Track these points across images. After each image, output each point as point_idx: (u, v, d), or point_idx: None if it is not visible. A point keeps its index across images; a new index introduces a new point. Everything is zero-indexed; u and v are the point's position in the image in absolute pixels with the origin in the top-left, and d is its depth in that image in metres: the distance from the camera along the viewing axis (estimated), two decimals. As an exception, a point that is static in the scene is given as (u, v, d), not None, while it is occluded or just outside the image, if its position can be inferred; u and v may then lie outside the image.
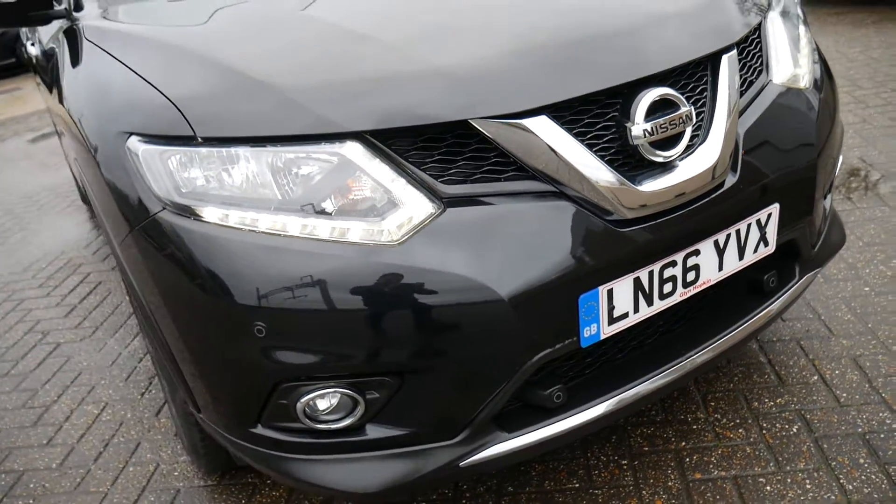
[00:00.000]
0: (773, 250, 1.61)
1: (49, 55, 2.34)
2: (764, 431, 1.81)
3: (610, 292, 1.37)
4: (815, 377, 1.96)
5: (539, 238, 1.30)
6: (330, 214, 1.28)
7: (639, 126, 1.36)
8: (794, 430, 1.80)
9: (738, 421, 1.85)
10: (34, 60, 2.97)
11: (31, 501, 2.01)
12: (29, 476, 2.11)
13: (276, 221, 1.28)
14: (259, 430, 1.42)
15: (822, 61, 1.88)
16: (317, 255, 1.26)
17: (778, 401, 1.90)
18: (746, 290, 1.71)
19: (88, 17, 1.93)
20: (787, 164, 1.58)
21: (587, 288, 1.34)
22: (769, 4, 1.77)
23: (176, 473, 2.02)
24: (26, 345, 2.86)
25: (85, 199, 4.30)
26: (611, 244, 1.35)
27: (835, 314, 2.20)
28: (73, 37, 1.95)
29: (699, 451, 1.78)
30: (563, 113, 1.33)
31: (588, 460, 1.81)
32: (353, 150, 1.28)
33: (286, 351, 1.30)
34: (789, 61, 1.72)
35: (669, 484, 1.70)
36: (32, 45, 2.96)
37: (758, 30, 1.69)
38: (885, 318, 2.15)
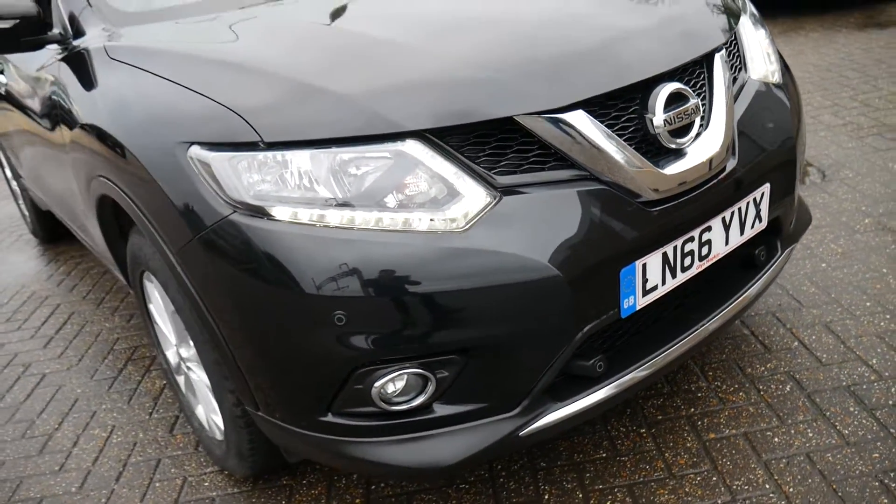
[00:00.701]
0: (765, 225, 1.81)
1: (40, 81, 2.34)
2: (762, 393, 2.00)
3: (644, 266, 1.53)
4: (796, 343, 2.18)
5: (583, 220, 1.45)
6: (396, 207, 1.39)
7: (659, 116, 1.53)
8: (788, 389, 2.00)
9: (736, 386, 2.04)
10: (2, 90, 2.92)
11: (58, 525, 1.99)
12: (49, 501, 2.09)
13: (345, 216, 1.38)
14: (329, 417, 1.50)
15: (782, 60, 2.11)
16: (389, 244, 1.36)
17: (768, 366, 2.10)
18: (741, 264, 1.91)
19: (97, 41, 1.97)
20: (772, 148, 1.79)
21: (626, 263, 1.49)
22: (741, 9, 1.99)
23: (206, 483, 2.05)
24: (9, 378, 2.79)
25: (36, 232, 4.19)
26: (642, 223, 1.51)
27: (801, 288, 2.44)
28: (83, 60, 1.98)
29: (708, 415, 1.96)
30: (595, 108, 1.49)
31: (609, 432, 1.96)
32: (414, 148, 1.40)
33: (364, 336, 1.39)
34: (762, 59, 1.94)
35: (688, 445, 1.87)
36: (1, 72, 2.91)
37: (735, 32, 1.90)
38: (844, 288, 2.40)
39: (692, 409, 1.99)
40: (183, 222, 1.50)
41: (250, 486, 2.01)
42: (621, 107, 1.53)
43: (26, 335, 3.13)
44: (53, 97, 2.20)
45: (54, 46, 2.22)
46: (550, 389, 1.55)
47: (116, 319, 3.12)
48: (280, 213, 1.39)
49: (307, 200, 1.39)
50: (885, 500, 1.62)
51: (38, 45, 2.17)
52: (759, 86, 1.88)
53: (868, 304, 2.30)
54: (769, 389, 2.01)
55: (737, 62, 1.87)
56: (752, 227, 1.77)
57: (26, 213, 4.23)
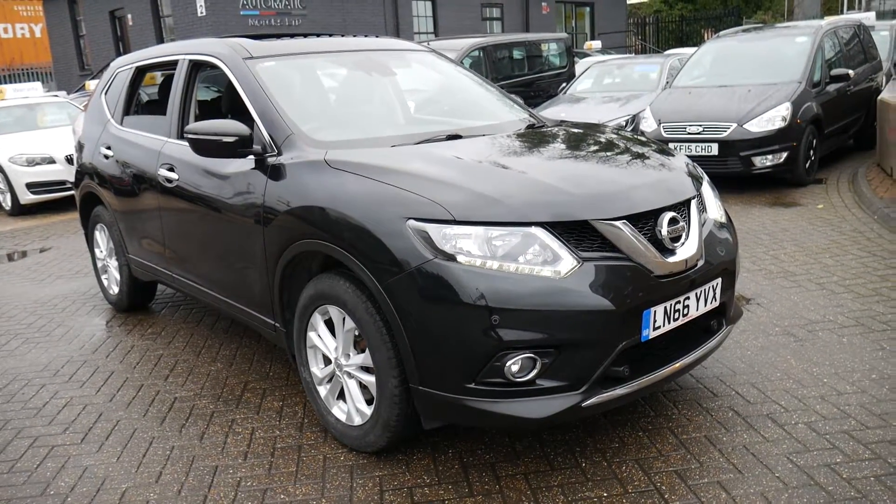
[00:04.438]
0: (718, 304, 2.98)
1: (231, 179, 3.39)
2: (713, 416, 3.09)
3: (654, 312, 2.66)
4: (733, 392, 3.30)
5: (625, 281, 2.59)
6: (524, 262, 2.50)
7: (664, 229, 2.72)
8: (730, 415, 3.10)
9: (697, 412, 3.13)
10: (171, 183, 3.93)
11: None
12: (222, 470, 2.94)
13: (496, 264, 2.48)
14: (473, 385, 2.52)
15: (725, 211, 3.39)
16: (524, 280, 2.47)
17: (717, 403, 3.21)
18: (702, 330, 3.05)
19: (311, 156, 3.06)
20: (723, 258, 3.00)
21: (646, 308, 2.63)
22: (702, 177, 3.28)
23: (342, 458, 2.96)
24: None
25: (120, 302, 5.05)
26: (655, 288, 2.66)
27: (734, 364, 3.59)
28: (288, 168, 3.08)
29: (682, 425, 3.02)
30: (630, 221, 2.67)
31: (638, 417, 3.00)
32: (537, 231, 2.54)
33: (507, 330, 2.45)
34: (715, 207, 3.20)
35: (670, 441, 2.92)
36: (169, 169, 3.93)
37: (700, 189, 3.16)
38: (762, 365, 3.57)
39: (671, 424, 3.06)
40: (394, 264, 2.56)
41: (376, 458, 2.93)
42: (643, 222, 2.72)
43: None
44: (248, 191, 3.26)
45: (251, 157, 3.31)
46: (599, 381, 2.61)
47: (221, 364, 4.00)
48: (462, 259, 2.49)
49: (480, 255, 2.50)
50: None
51: (244, 155, 3.28)
52: (714, 222, 3.12)
53: (778, 374, 3.46)
54: (718, 415, 3.10)
55: (701, 206, 3.12)
56: (711, 303, 2.94)
57: (114, 287, 5.10)
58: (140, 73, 4.80)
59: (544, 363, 2.51)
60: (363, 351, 2.87)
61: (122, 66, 4.95)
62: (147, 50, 4.85)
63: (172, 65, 4.22)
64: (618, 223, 2.63)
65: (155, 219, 4.19)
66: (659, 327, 2.70)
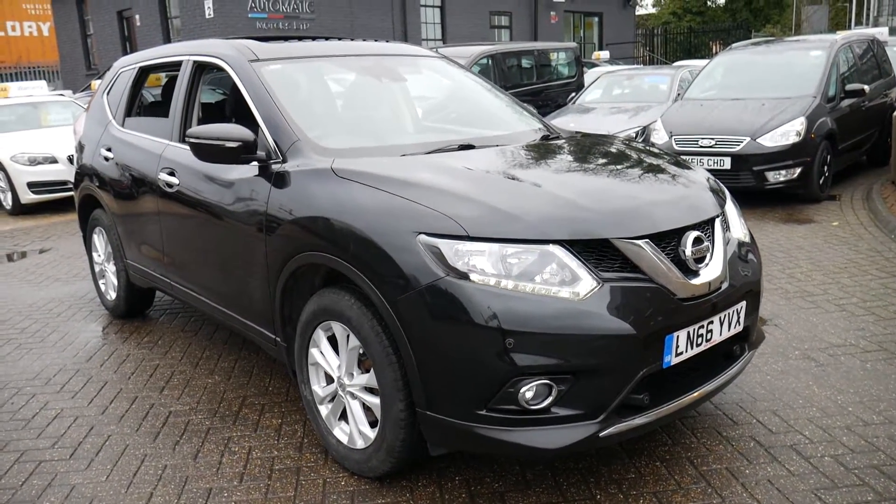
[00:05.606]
0: (741, 329, 2.83)
1: (235, 186, 3.25)
2: (734, 445, 2.94)
3: (677, 337, 2.51)
4: (754, 420, 3.15)
5: (648, 304, 2.44)
6: (541, 282, 2.35)
7: (688, 249, 2.58)
8: (752, 445, 2.94)
9: (717, 441, 2.98)
10: (171, 187, 3.79)
11: None
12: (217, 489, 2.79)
13: (512, 283, 2.34)
14: (484, 412, 2.37)
15: (747, 228, 3.25)
16: (541, 302, 2.32)
17: (737, 431, 3.05)
18: (723, 356, 2.90)
19: (318, 164, 2.92)
20: (747, 279, 2.85)
21: (669, 333, 2.48)
22: (726, 195, 3.13)
23: (342, 483, 2.81)
24: (142, 411, 3.47)
25: (117, 308, 4.91)
26: (679, 311, 2.51)
27: (754, 390, 3.44)
28: (292, 177, 2.94)
29: (700, 455, 2.87)
30: (652, 240, 2.52)
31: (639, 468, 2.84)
32: (555, 249, 2.39)
33: (522, 355, 2.30)
34: (738, 225, 3.05)
35: (689, 472, 2.77)
36: (170, 174, 3.79)
37: (724, 207, 3.01)
38: (783, 391, 3.41)
39: (690, 453, 2.90)
40: (403, 280, 2.42)
41: (378, 484, 2.78)
42: (665, 242, 2.58)
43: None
44: (251, 199, 3.12)
45: (254, 164, 3.17)
46: (617, 410, 2.46)
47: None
48: (475, 277, 2.34)
49: (495, 274, 2.35)
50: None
51: (247, 161, 3.14)
52: (739, 241, 2.97)
53: (800, 401, 3.31)
54: (740, 445, 2.95)
55: (726, 225, 2.97)
56: (735, 327, 2.78)
57: (111, 292, 4.96)
58: (143, 73, 4.67)
59: (560, 390, 2.36)
60: (367, 371, 2.72)
61: (126, 66, 4.83)
62: (151, 50, 4.72)
63: (176, 66, 4.09)
64: (640, 242, 2.48)
65: (154, 224, 4.05)
66: (681, 353, 2.55)
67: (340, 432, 2.91)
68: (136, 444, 3.20)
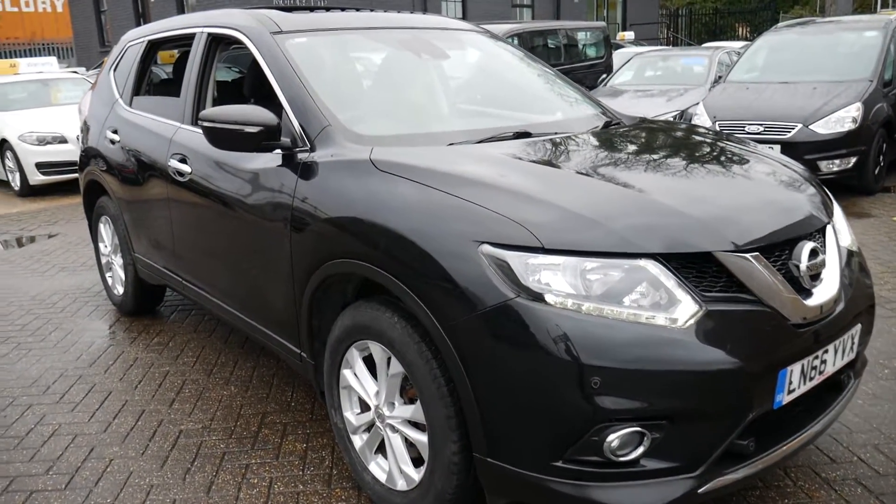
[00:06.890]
0: (854, 357, 2.38)
1: (258, 178, 2.81)
2: (838, 492, 2.50)
3: (791, 371, 2.07)
4: (855, 458, 2.70)
5: (760, 332, 2.00)
6: (630, 304, 1.91)
7: (804, 263, 2.12)
8: (859, 491, 2.50)
9: (816, 486, 2.54)
10: (182, 176, 3.36)
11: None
12: (239, 533, 2.39)
13: (597, 306, 1.89)
14: (560, 463, 1.93)
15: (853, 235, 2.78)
16: (632, 331, 1.88)
17: (838, 472, 2.61)
18: (826, 388, 2.45)
19: (352, 154, 2.48)
20: (861, 297, 2.39)
21: (783, 367, 2.03)
22: (830, 194, 2.66)
23: (382, 528, 2.39)
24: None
25: (125, 304, 4.51)
26: (794, 340, 2.07)
27: (847, 418, 2.99)
28: (322, 167, 2.50)
29: (799, 505, 2.44)
30: (762, 253, 2.07)
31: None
32: (648, 264, 1.94)
33: (610, 397, 1.86)
34: (846, 232, 2.59)
35: None
36: (181, 161, 3.36)
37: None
38: (882, 419, 2.97)
39: (787, 500, 2.47)
40: (461, 300, 1.98)
41: (422, 532, 2.36)
42: (776, 255, 2.12)
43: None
44: (273, 193, 2.69)
45: (277, 152, 2.73)
46: (718, 459, 2.02)
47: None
48: (552, 299, 1.90)
49: (570, 293, 1.91)
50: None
51: (269, 149, 2.70)
52: (849, 251, 2.51)
53: (904, 433, 2.86)
54: (844, 491, 2.51)
55: (835, 233, 2.51)
56: (848, 355, 2.33)
57: (118, 287, 4.56)
58: (153, 47, 4.23)
59: (654, 439, 1.93)
60: (412, 401, 2.30)
61: (133, 40, 4.39)
62: (161, 22, 4.27)
63: (189, 39, 3.65)
64: (749, 256, 2.03)
65: (164, 216, 3.63)
66: (794, 390, 2.11)
67: (377, 469, 2.49)
68: (141, 470, 2.81)
